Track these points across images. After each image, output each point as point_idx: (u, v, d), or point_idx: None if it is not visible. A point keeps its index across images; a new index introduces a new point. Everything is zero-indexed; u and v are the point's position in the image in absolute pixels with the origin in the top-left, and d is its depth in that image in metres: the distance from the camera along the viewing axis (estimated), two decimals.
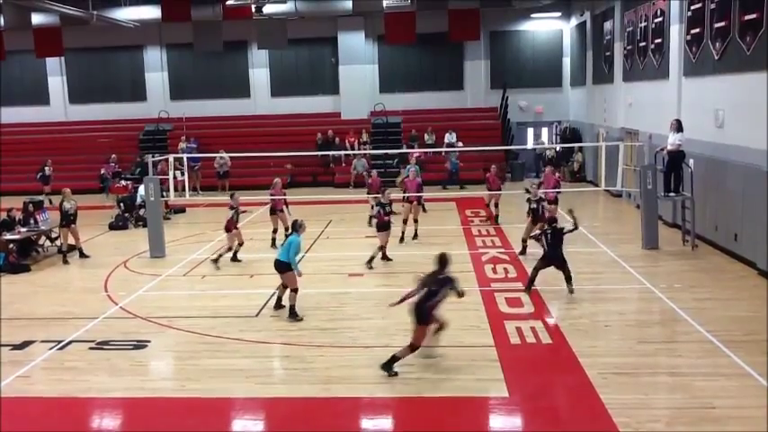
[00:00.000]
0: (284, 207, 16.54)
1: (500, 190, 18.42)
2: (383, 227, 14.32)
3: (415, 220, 16.77)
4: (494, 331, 10.20)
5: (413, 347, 8.72)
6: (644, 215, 15.16)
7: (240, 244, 14.86)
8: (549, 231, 11.82)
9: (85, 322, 11.18)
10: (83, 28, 26.30)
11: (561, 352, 9.39)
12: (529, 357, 9.34)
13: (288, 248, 10.94)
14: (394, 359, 8.73)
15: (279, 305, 11.41)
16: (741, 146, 13.42)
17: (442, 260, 8.83)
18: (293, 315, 10.95)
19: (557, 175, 17.68)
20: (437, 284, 8.70)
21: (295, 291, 11.03)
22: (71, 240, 15.87)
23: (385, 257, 14.50)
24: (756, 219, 12.63)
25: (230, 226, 14.62)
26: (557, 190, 16.65)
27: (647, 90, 19.18)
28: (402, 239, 16.25)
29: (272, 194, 16.59)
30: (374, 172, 19.76)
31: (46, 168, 24.77)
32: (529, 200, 14.82)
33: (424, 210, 20.78)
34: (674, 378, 8.43)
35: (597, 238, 16.07)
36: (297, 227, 11.25)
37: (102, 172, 24.88)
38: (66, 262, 15.62)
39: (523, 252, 14.65)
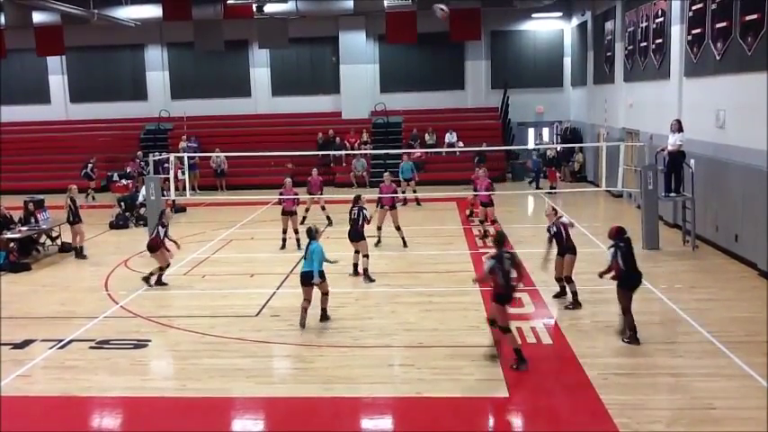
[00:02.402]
0: (296, 208, 16.09)
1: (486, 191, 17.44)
2: (358, 236, 13.22)
3: (397, 228, 15.65)
4: (494, 331, 10.17)
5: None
6: (644, 215, 15.16)
7: (167, 266, 13.23)
8: (623, 245, 9.70)
9: (86, 321, 11.19)
10: (84, 26, 26.28)
11: (561, 352, 9.40)
12: (529, 357, 9.30)
13: (316, 258, 10.49)
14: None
15: (325, 316, 10.83)
16: (742, 146, 13.42)
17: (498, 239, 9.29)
18: (326, 317, 10.76)
19: (488, 176, 17.04)
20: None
21: (327, 293, 10.83)
22: (66, 238, 15.90)
23: (367, 276, 13.11)
24: (757, 219, 12.63)
25: (157, 244, 13.06)
26: (490, 192, 16.53)
27: (648, 90, 19.18)
28: (377, 244, 15.60)
29: (281, 194, 16.22)
30: (314, 171, 18.84)
31: (89, 165, 25.29)
32: (548, 228, 11.57)
33: (419, 203, 21.09)
34: (675, 379, 8.43)
35: (598, 239, 16.03)
36: (314, 233, 10.77)
37: (129, 170, 24.97)
38: (83, 257, 15.85)
39: (562, 293, 11.66)
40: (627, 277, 9.59)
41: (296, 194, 16.27)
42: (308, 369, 9.11)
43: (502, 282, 8.82)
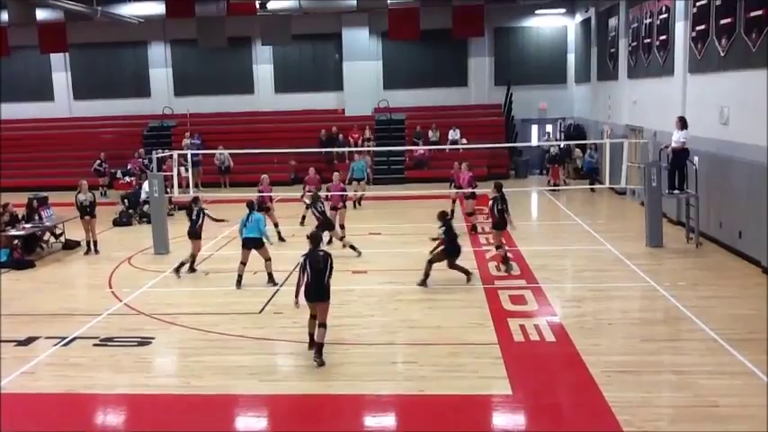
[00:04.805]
0: (270, 204, 16.88)
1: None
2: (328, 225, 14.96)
3: (342, 226, 15.70)
4: (497, 329, 10.20)
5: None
6: (648, 212, 15.13)
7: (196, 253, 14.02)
8: (445, 226, 12.67)
9: (90, 318, 11.21)
10: (87, 24, 26.25)
11: (564, 350, 9.39)
12: (532, 355, 9.33)
13: (262, 225, 12.77)
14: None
15: (272, 280, 12.82)
16: (746, 143, 13.38)
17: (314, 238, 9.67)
18: (273, 280, 12.77)
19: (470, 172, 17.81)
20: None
21: (269, 259, 12.87)
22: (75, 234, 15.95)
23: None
24: (761, 216, 12.59)
25: (199, 231, 13.94)
26: (472, 190, 17.26)
27: (652, 87, 19.12)
28: (330, 242, 15.32)
29: (260, 191, 16.70)
30: (312, 170, 19.14)
31: (99, 161, 25.67)
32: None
33: (359, 203, 21.33)
34: (678, 376, 8.41)
35: (601, 236, 16.05)
36: (254, 206, 13.09)
37: (130, 167, 25.05)
38: (87, 252, 16.04)
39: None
40: (449, 248, 12.58)
41: (271, 191, 17.09)
42: (311, 366, 9.10)
43: (309, 280, 9.19)
